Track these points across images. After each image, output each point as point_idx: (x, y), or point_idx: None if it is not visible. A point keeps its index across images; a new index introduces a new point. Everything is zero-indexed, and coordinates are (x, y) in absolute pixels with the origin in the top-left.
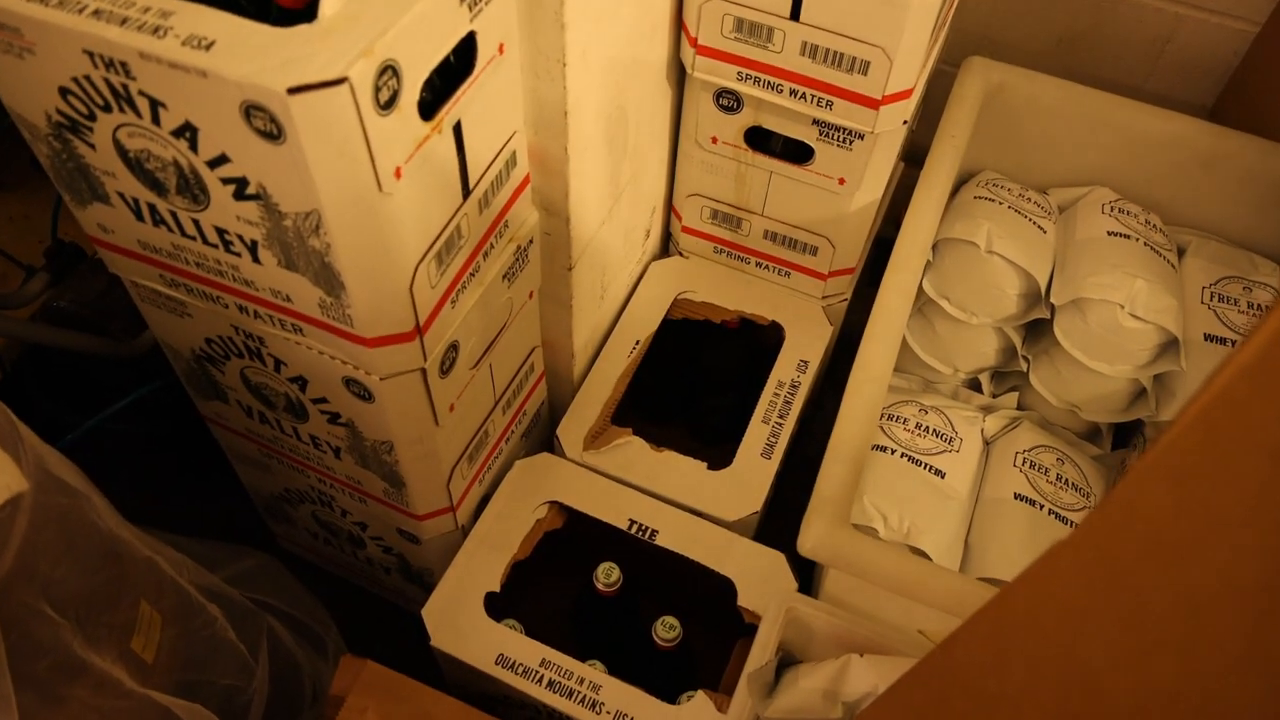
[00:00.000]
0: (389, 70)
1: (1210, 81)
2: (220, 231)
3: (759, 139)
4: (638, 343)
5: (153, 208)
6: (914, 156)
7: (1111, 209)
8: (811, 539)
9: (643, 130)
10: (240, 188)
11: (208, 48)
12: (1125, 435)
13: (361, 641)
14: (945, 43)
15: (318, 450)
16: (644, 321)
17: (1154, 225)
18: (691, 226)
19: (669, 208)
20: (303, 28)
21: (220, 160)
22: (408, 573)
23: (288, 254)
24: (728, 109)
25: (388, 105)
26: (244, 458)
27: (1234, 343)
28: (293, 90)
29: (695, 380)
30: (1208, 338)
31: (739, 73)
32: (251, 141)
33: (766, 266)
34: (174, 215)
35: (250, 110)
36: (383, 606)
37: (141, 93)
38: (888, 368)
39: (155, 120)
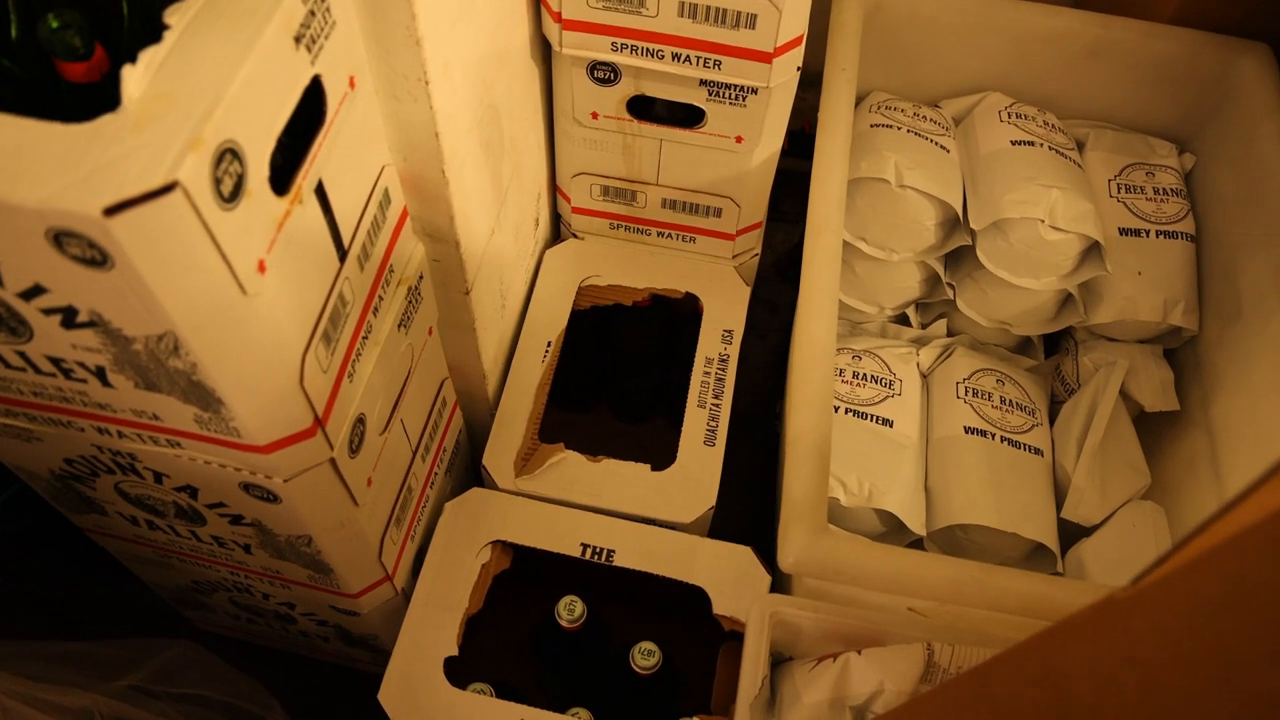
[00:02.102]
0: (227, 155)
1: None
2: (55, 361)
3: (643, 107)
4: (549, 344)
5: None
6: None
7: (1009, 115)
8: (793, 553)
9: (516, 120)
10: (68, 317)
11: None
12: (1055, 342)
13: (315, 713)
14: None
15: (224, 549)
16: (551, 319)
17: (1053, 125)
18: (582, 206)
19: (554, 190)
20: (107, 119)
21: (35, 292)
22: (349, 640)
23: (145, 376)
24: (604, 81)
25: (233, 196)
26: (138, 559)
27: (1148, 233)
28: (111, 210)
29: (612, 364)
30: (1122, 231)
31: (613, 43)
32: (70, 270)
33: (669, 235)
34: None
35: (60, 237)
36: (328, 669)
37: None
38: (831, 341)
39: None
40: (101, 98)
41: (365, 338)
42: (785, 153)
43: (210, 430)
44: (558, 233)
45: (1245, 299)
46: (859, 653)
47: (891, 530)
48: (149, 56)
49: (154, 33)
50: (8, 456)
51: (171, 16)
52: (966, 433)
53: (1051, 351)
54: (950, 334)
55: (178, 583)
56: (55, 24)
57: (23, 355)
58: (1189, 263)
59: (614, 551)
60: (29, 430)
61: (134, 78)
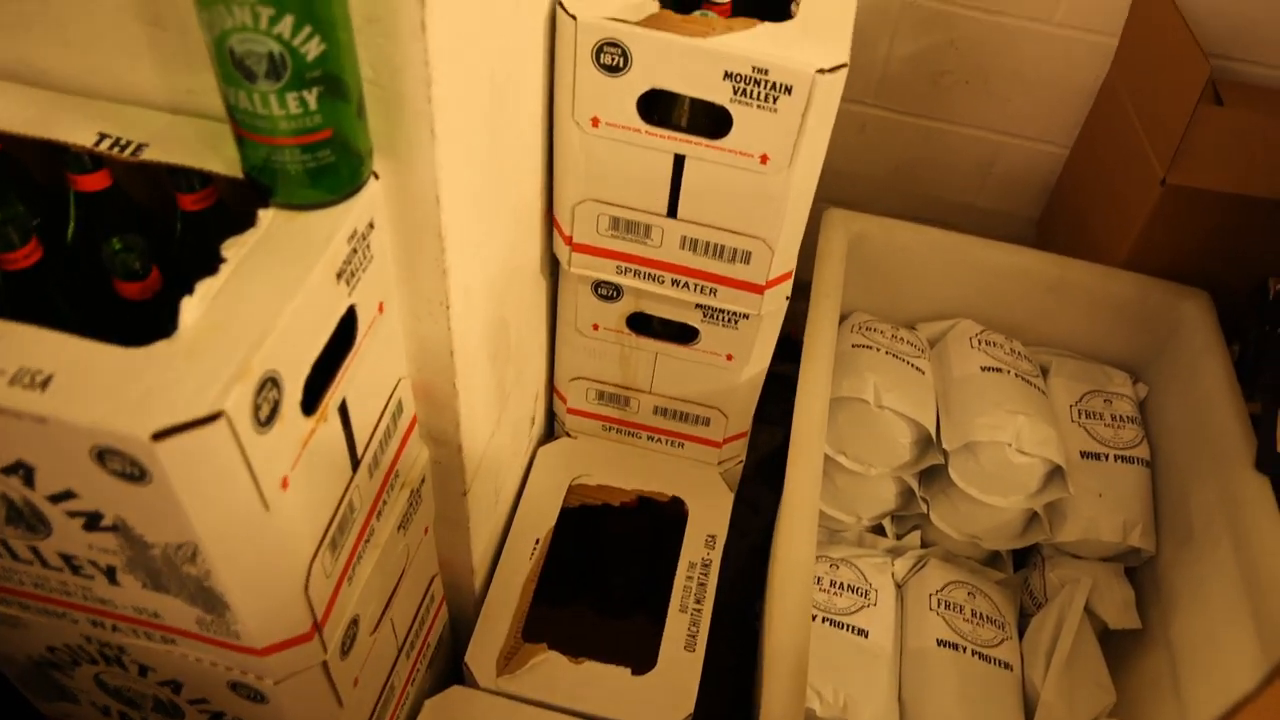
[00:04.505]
0: (269, 383)
1: (1033, 196)
2: (67, 557)
3: (641, 321)
4: (538, 541)
5: None
6: None
7: (979, 342)
8: None
9: (522, 329)
10: (92, 520)
11: (44, 385)
12: (1024, 556)
13: None
14: None
15: None
16: (541, 516)
17: (1019, 353)
18: (577, 408)
19: (551, 390)
20: (161, 345)
21: (65, 496)
22: None
23: (155, 578)
24: (607, 298)
25: (269, 420)
26: None
27: (1107, 457)
28: (158, 435)
29: (598, 562)
30: (1083, 455)
31: (618, 266)
32: (105, 481)
33: (659, 440)
34: (3, 543)
35: (104, 454)
36: None
37: None
38: (810, 557)
39: None
40: (150, 313)
41: (367, 541)
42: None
43: (210, 631)
44: (552, 431)
45: (1196, 524)
46: None
47: None
48: (205, 288)
49: (208, 260)
50: None
51: (228, 250)
52: (939, 645)
53: (1020, 565)
54: (924, 545)
55: None
56: (118, 245)
57: (34, 550)
58: (1145, 486)
59: None
60: (17, 618)
61: (190, 308)
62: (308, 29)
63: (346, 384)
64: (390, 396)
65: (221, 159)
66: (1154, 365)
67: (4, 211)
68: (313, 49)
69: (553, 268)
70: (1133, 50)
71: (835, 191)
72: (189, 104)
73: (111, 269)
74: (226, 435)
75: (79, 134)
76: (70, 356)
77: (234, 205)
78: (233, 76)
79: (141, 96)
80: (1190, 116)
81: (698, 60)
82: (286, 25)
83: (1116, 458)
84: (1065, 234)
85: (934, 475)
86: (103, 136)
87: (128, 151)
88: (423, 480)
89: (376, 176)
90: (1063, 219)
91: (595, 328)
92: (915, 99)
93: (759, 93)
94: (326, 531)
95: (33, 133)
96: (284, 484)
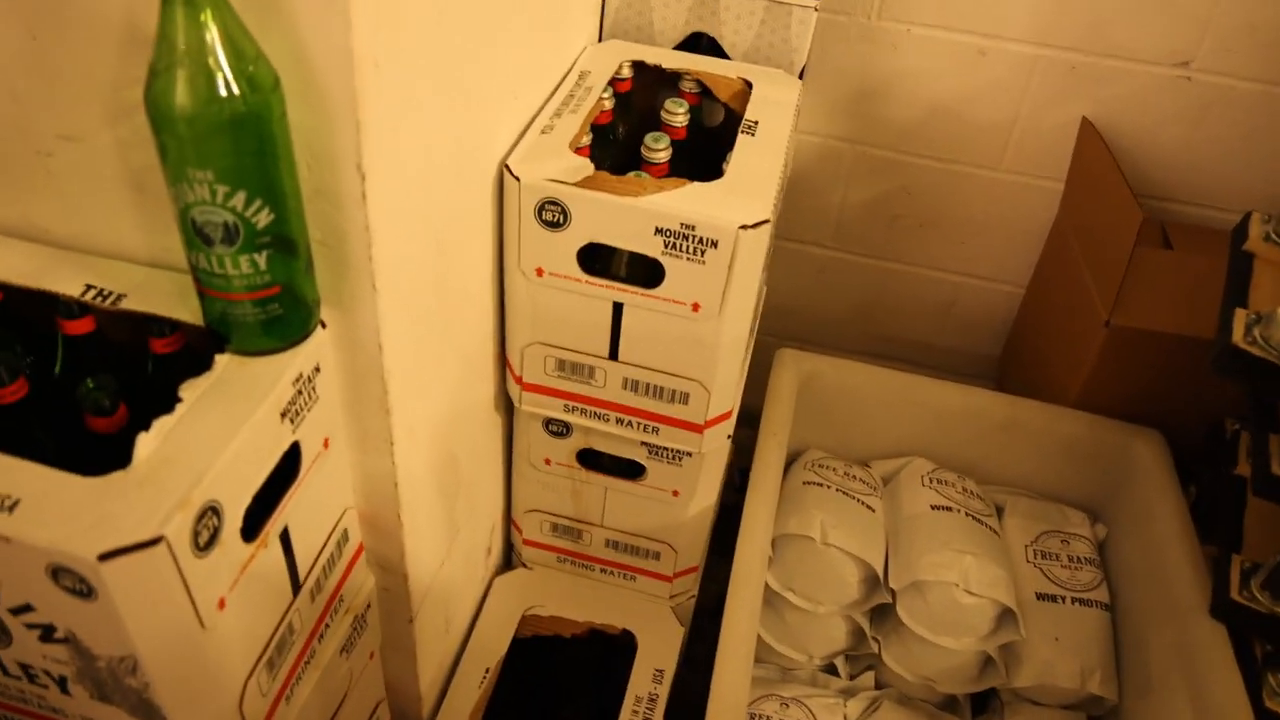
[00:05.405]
0: (209, 512)
1: (993, 334)
2: (24, 666)
3: (591, 457)
4: (488, 671)
5: None
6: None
7: (930, 480)
8: None
9: (475, 463)
10: (47, 632)
11: (12, 508)
12: (983, 701)
13: None
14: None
15: None
16: (492, 646)
17: (971, 492)
18: (533, 539)
19: (508, 521)
20: (116, 476)
21: (24, 609)
22: None
23: (101, 689)
24: (558, 434)
25: (208, 545)
26: None
27: (1064, 599)
28: (104, 556)
29: (547, 693)
30: (1039, 596)
31: (565, 405)
32: (59, 596)
33: (611, 572)
34: None
35: (58, 571)
36: None
37: None
38: (743, 693)
39: None
40: (118, 444)
41: (308, 662)
42: (736, 488)
43: None
44: (509, 561)
45: (1155, 672)
46: None
47: None
48: (160, 425)
49: (168, 397)
50: None
51: (185, 390)
52: None
53: (979, 710)
54: (879, 686)
55: None
56: (91, 385)
57: None
58: (1104, 631)
59: None
60: None
61: (145, 443)
62: (259, 202)
63: (289, 513)
64: (335, 525)
65: (189, 309)
66: (1111, 506)
67: None
68: (263, 218)
69: (508, 404)
70: (1076, 195)
71: (796, 330)
72: (165, 259)
73: (84, 405)
74: (166, 558)
75: (69, 285)
76: (39, 484)
77: (199, 349)
78: (194, 242)
79: (126, 252)
80: (1128, 260)
81: (630, 217)
82: (240, 200)
83: (1074, 600)
84: (1023, 372)
85: (885, 615)
86: (89, 287)
87: (109, 301)
88: (368, 606)
89: (324, 325)
90: (1021, 357)
91: (548, 462)
92: (872, 242)
93: (688, 246)
94: (264, 651)
95: (30, 284)
96: (220, 604)
